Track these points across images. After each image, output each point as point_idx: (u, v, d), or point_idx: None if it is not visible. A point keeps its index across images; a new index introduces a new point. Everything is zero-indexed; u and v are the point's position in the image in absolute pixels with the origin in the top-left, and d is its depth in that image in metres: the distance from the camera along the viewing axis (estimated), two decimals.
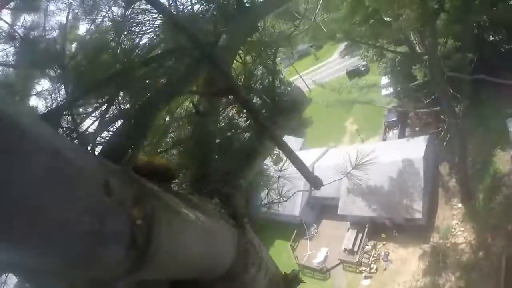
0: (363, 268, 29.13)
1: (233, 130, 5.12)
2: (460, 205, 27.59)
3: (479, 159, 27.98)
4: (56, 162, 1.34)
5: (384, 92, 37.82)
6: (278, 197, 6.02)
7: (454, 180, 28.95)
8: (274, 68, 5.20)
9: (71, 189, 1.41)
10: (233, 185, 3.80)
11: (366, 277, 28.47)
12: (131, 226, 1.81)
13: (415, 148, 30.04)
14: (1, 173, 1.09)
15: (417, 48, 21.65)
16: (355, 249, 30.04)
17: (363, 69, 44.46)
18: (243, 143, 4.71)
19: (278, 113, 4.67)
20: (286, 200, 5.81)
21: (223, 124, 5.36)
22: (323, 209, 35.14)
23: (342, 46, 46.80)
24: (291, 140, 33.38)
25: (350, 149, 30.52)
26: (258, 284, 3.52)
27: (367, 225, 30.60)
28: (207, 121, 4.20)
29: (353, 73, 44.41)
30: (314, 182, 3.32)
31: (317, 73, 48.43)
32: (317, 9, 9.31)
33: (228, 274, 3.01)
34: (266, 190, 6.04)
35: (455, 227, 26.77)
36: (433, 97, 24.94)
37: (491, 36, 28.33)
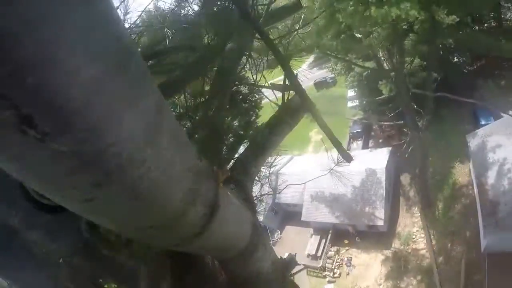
0: (327, 273, 29.55)
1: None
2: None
3: (439, 170, 29.27)
4: (178, 131, 1.51)
5: (350, 104, 38.96)
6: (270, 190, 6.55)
7: (414, 189, 30.06)
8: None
9: (184, 150, 1.55)
10: (246, 173, 4.15)
11: (329, 282, 28.89)
12: (216, 188, 2.02)
13: (378, 158, 30.84)
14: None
15: (385, 64, 22.40)
16: (319, 254, 30.49)
17: (330, 81, 45.16)
18: (256, 136, 5.15)
19: (289, 112, 5.18)
20: (279, 193, 6.29)
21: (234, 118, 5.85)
22: (287, 215, 35.36)
23: (311, 58, 47.52)
24: None
25: (315, 158, 31.45)
26: (265, 264, 3.80)
27: (330, 231, 31.04)
28: (217, 116, 4.73)
29: (321, 85, 45.34)
30: (346, 157, 3.96)
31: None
32: (300, 23, 9.87)
33: (241, 253, 3.19)
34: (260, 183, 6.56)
35: (416, 233, 27.76)
36: (397, 111, 25.91)
37: (455, 58, 30.00)
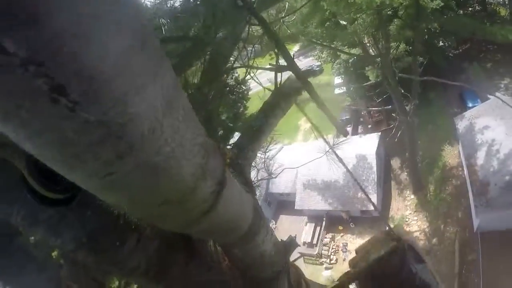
0: (323, 259, 29.80)
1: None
2: (412, 196, 28.95)
3: (428, 153, 29.57)
4: (189, 107, 1.46)
5: (337, 91, 39.03)
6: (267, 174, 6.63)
7: (405, 173, 30.42)
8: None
9: (195, 126, 1.56)
10: (243, 157, 4.27)
11: (327, 268, 29.06)
12: (223, 165, 2.05)
13: (368, 144, 30.96)
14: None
15: (370, 50, 22.49)
16: (314, 242, 30.72)
17: (317, 69, 44.94)
18: (252, 121, 5.24)
19: (283, 96, 5.29)
20: (276, 177, 6.36)
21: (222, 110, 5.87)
22: (280, 204, 35.49)
23: (296, 46, 47.37)
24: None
25: (305, 146, 31.70)
26: (267, 247, 3.85)
27: (324, 219, 31.24)
28: (209, 103, 4.78)
29: (307, 73, 45.10)
30: (341, 130, 4.07)
31: (272, 72, 48.16)
32: (285, 11, 9.93)
33: (244, 235, 3.21)
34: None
35: (409, 216, 28.11)
36: (384, 96, 26.11)
37: (440, 42, 30.29)
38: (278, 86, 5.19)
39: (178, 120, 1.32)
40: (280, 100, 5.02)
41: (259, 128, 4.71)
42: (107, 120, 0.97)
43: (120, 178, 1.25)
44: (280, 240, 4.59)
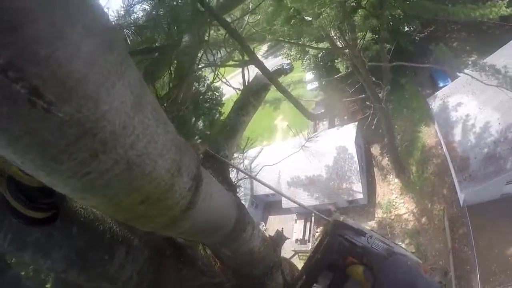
0: None
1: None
2: (396, 180, 29.28)
3: (406, 136, 30.05)
4: (157, 105, 1.52)
5: (309, 87, 39.28)
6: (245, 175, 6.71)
7: (386, 158, 30.75)
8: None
9: (164, 123, 1.59)
10: (221, 156, 4.28)
11: None
12: (197, 160, 2.09)
13: (346, 135, 31.26)
14: None
15: (338, 43, 22.65)
16: (306, 237, 30.85)
17: (287, 67, 45.11)
18: (224, 120, 5.35)
19: (252, 93, 5.38)
20: (257, 174, 6.43)
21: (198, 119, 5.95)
22: (267, 205, 35.68)
23: (265, 46, 47.45)
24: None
25: (284, 144, 31.84)
26: (255, 243, 3.90)
27: (312, 214, 31.19)
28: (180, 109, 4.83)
29: (278, 72, 45.26)
30: (311, 117, 4.15)
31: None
32: (249, 13, 9.96)
33: (230, 233, 3.27)
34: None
35: (395, 200, 28.44)
36: (356, 86, 26.37)
37: (405, 27, 30.87)
38: (246, 84, 5.30)
39: (148, 117, 1.36)
40: (250, 97, 5.13)
41: (232, 127, 4.79)
42: (81, 118, 1.01)
43: (98, 177, 1.27)
44: (268, 235, 4.66)
